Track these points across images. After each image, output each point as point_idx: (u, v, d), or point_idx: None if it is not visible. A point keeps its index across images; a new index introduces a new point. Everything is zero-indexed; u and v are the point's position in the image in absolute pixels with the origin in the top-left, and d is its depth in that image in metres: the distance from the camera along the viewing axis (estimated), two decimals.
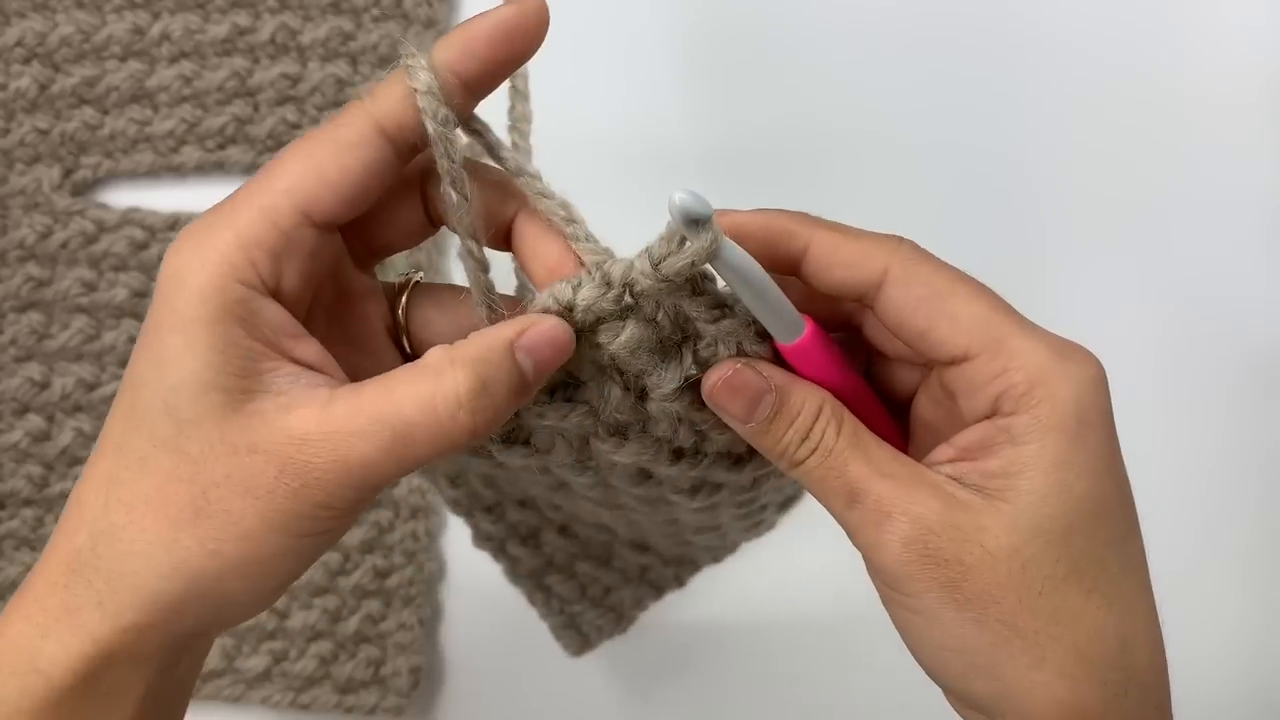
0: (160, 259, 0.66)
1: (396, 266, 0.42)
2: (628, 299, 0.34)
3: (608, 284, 0.34)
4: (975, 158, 0.67)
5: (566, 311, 0.34)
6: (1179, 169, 0.68)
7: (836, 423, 0.35)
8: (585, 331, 0.35)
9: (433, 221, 0.37)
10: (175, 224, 0.65)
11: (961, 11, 0.68)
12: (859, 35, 0.68)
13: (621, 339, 0.34)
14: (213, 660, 0.64)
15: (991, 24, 0.68)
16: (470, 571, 0.66)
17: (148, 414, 0.33)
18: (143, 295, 0.64)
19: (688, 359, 0.35)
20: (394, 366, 0.35)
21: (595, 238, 0.35)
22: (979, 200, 0.67)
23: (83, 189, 0.66)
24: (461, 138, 0.34)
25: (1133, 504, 0.34)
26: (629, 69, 0.68)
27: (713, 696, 0.66)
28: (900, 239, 0.35)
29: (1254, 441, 0.67)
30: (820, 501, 0.35)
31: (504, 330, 0.33)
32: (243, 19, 0.65)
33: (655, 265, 0.33)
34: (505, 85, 0.40)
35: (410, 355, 0.38)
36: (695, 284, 0.34)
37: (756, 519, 0.49)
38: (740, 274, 0.33)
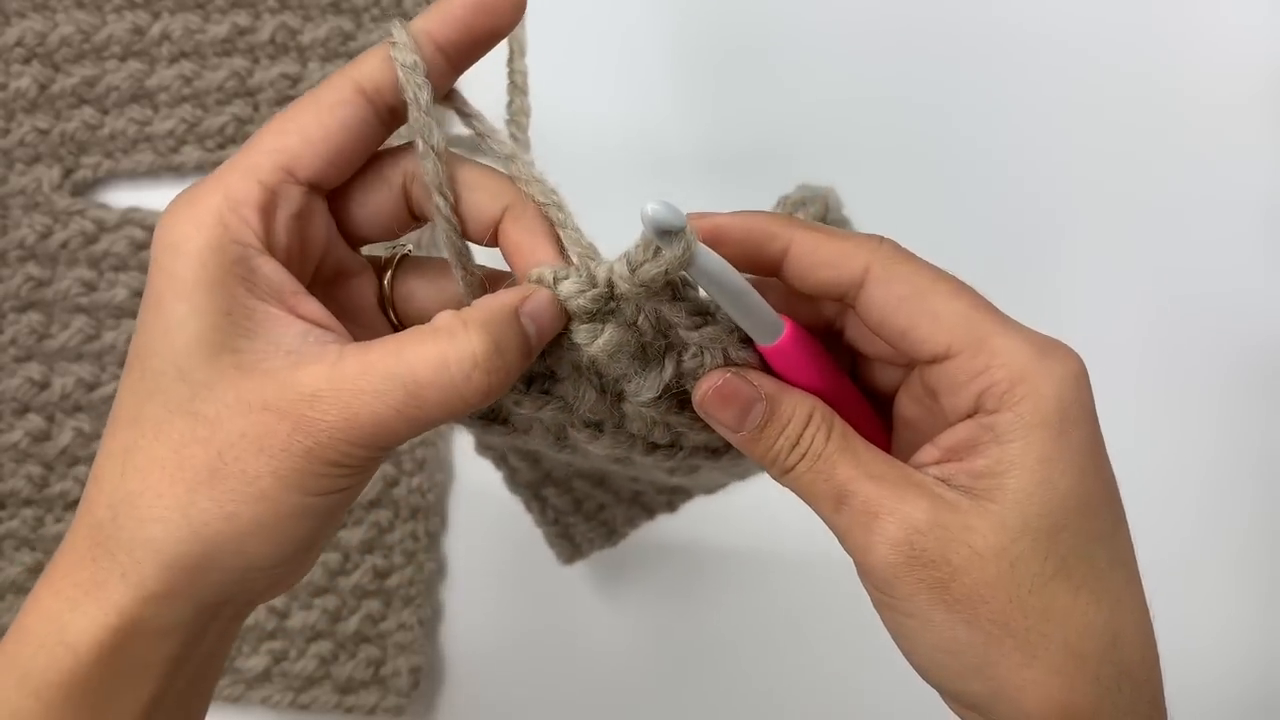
0: None
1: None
2: (609, 303, 0.34)
3: (591, 282, 0.34)
4: (973, 157, 0.67)
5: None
6: (1178, 168, 0.68)
7: (826, 427, 0.35)
8: (564, 328, 0.35)
9: (414, 215, 0.37)
10: None
11: (959, 10, 0.68)
12: (855, 34, 0.68)
13: (600, 342, 0.35)
14: None
15: (989, 23, 0.68)
16: (470, 571, 0.66)
17: (160, 381, 0.33)
18: (143, 295, 0.64)
19: (669, 369, 0.36)
20: (380, 334, 0.35)
21: (580, 230, 0.36)
22: (977, 200, 0.67)
23: (83, 189, 0.66)
24: (428, 86, 0.34)
25: (1119, 498, 0.34)
26: (622, 68, 0.68)
27: (713, 697, 0.66)
28: (881, 239, 0.35)
29: (1251, 439, 0.67)
30: (811, 507, 0.35)
31: (509, 296, 0.34)
32: (243, 19, 0.65)
33: (633, 271, 0.33)
34: (504, 82, 0.40)
35: (398, 327, 0.38)
36: (675, 290, 0.34)
37: (743, 474, 0.50)
38: (715, 280, 0.34)
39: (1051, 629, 0.32)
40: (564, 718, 0.66)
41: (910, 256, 0.35)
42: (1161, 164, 0.68)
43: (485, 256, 0.37)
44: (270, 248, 0.34)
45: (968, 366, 0.33)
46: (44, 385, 0.65)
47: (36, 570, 0.65)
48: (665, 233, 0.32)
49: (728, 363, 0.36)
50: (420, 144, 0.34)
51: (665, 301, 0.34)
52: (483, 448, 0.57)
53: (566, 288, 0.34)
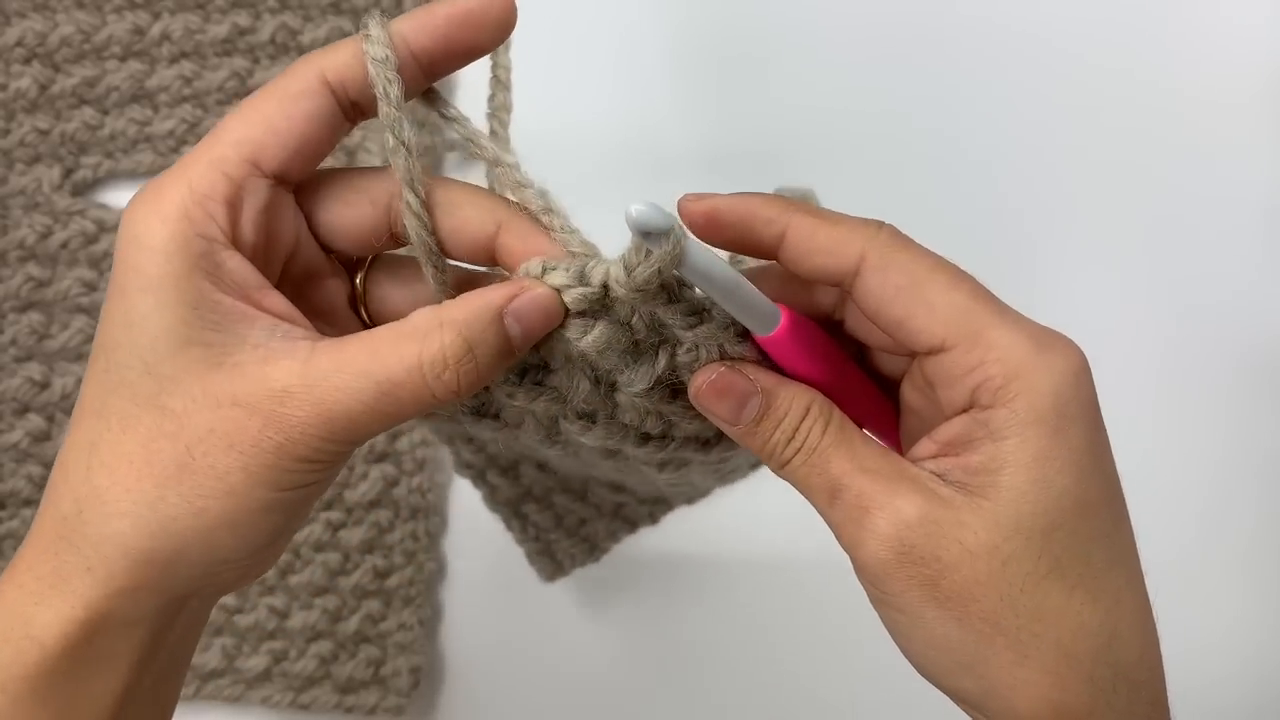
0: None
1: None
2: (602, 301, 0.34)
3: (582, 281, 0.34)
4: (972, 157, 0.67)
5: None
6: (1178, 169, 0.68)
7: (824, 420, 0.35)
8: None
9: (394, 235, 0.37)
10: None
11: (958, 11, 0.68)
12: (855, 35, 0.68)
13: (589, 339, 0.34)
14: (213, 660, 0.64)
15: (988, 23, 0.68)
16: (470, 571, 0.66)
17: (125, 375, 0.33)
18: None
19: (661, 362, 0.35)
20: (341, 327, 0.36)
21: (575, 229, 0.35)
22: (976, 200, 0.67)
23: (83, 189, 0.66)
24: (399, 81, 0.34)
25: (1120, 496, 0.34)
26: (621, 69, 0.68)
27: (712, 696, 0.66)
28: (880, 224, 0.35)
29: (1254, 439, 0.67)
30: (808, 500, 0.35)
31: (493, 294, 0.33)
32: (243, 19, 0.65)
33: (629, 275, 0.33)
34: (488, 76, 0.40)
35: (370, 325, 0.38)
36: (671, 291, 0.34)
37: (728, 475, 0.50)
38: (706, 275, 0.33)
39: (1043, 629, 0.32)
40: (563, 717, 0.66)
41: (908, 244, 0.34)
42: (1162, 164, 0.68)
43: None
44: (236, 242, 0.33)
45: (963, 360, 0.33)
46: (44, 385, 0.65)
47: None
48: (650, 234, 0.32)
49: (723, 357, 0.35)
50: (390, 139, 0.34)
51: (661, 305, 0.34)
52: (461, 466, 0.56)
53: (555, 278, 0.34)
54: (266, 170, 0.34)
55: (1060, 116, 0.68)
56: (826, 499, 0.34)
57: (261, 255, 0.35)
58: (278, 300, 0.34)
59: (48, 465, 0.65)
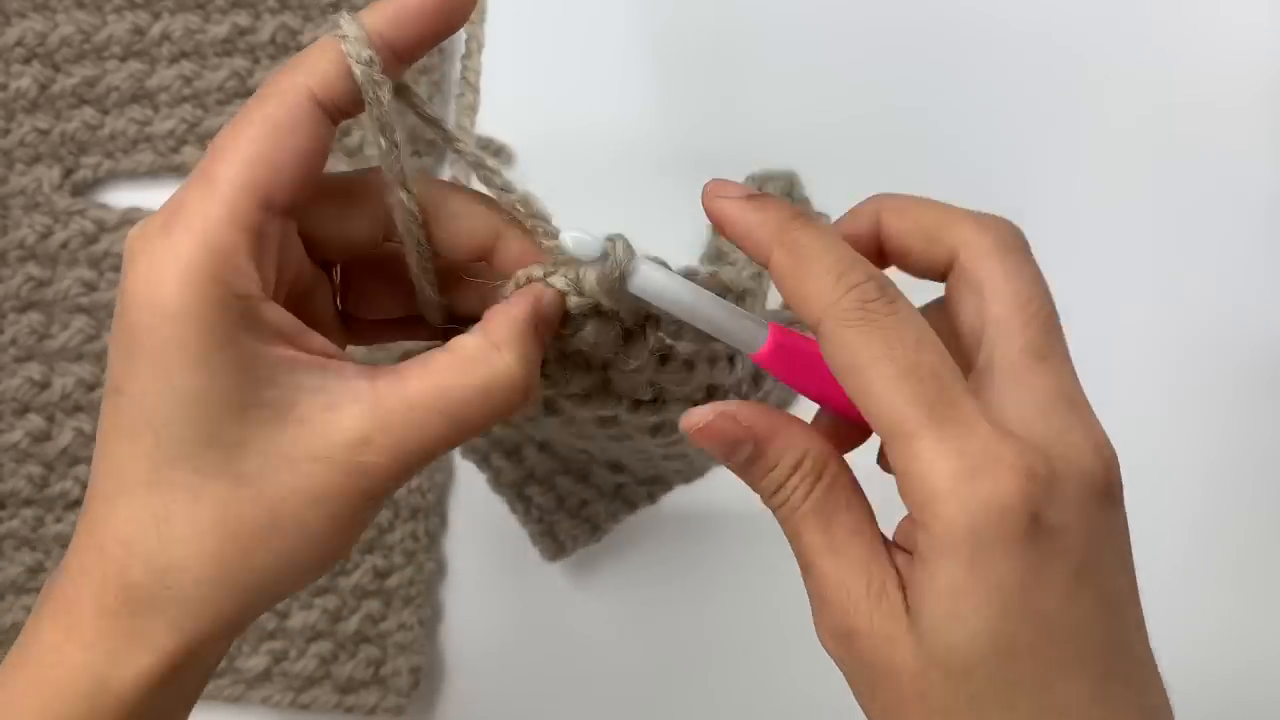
0: None
1: None
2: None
3: (579, 290, 0.34)
4: (970, 156, 0.67)
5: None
6: (1178, 169, 0.68)
7: (810, 481, 0.33)
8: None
9: (387, 242, 0.37)
10: None
11: (956, 10, 0.68)
12: (853, 33, 0.68)
13: (582, 334, 0.35)
14: None
15: (986, 22, 0.68)
16: (470, 571, 0.66)
17: (184, 448, 0.32)
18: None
19: (652, 339, 0.36)
20: (341, 343, 0.36)
21: (558, 229, 0.36)
22: (976, 199, 0.67)
23: (83, 189, 0.66)
24: (388, 84, 0.34)
25: (1066, 640, 0.30)
26: (611, 69, 0.67)
27: (713, 695, 0.66)
28: (850, 286, 0.32)
29: (1253, 439, 0.67)
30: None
31: (522, 307, 0.34)
32: (243, 19, 0.65)
33: (579, 293, 0.34)
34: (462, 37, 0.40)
35: (348, 323, 0.39)
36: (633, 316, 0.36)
37: None
38: (666, 303, 0.34)
39: None
40: (564, 717, 0.66)
41: (865, 317, 0.31)
42: (1161, 164, 0.68)
43: None
44: (266, 289, 0.33)
45: (895, 462, 0.31)
46: (44, 385, 0.65)
47: (36, 570, 0.65)
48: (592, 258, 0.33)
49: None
50: (383, 142, 0.34)
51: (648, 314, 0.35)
52: (466, 450, 0.57)
53: (557, 283, 0.35)
54: (278, 209, 0.33)
55: (1060, 116, 0.68)
56: (802, 565, 0.34)
57: (281, 289, 0.35)
58: (317, 339, 0.34)
59: (48, 465, 0.65)
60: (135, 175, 0.66)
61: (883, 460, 0.35)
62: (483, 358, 0.33)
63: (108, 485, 0.34)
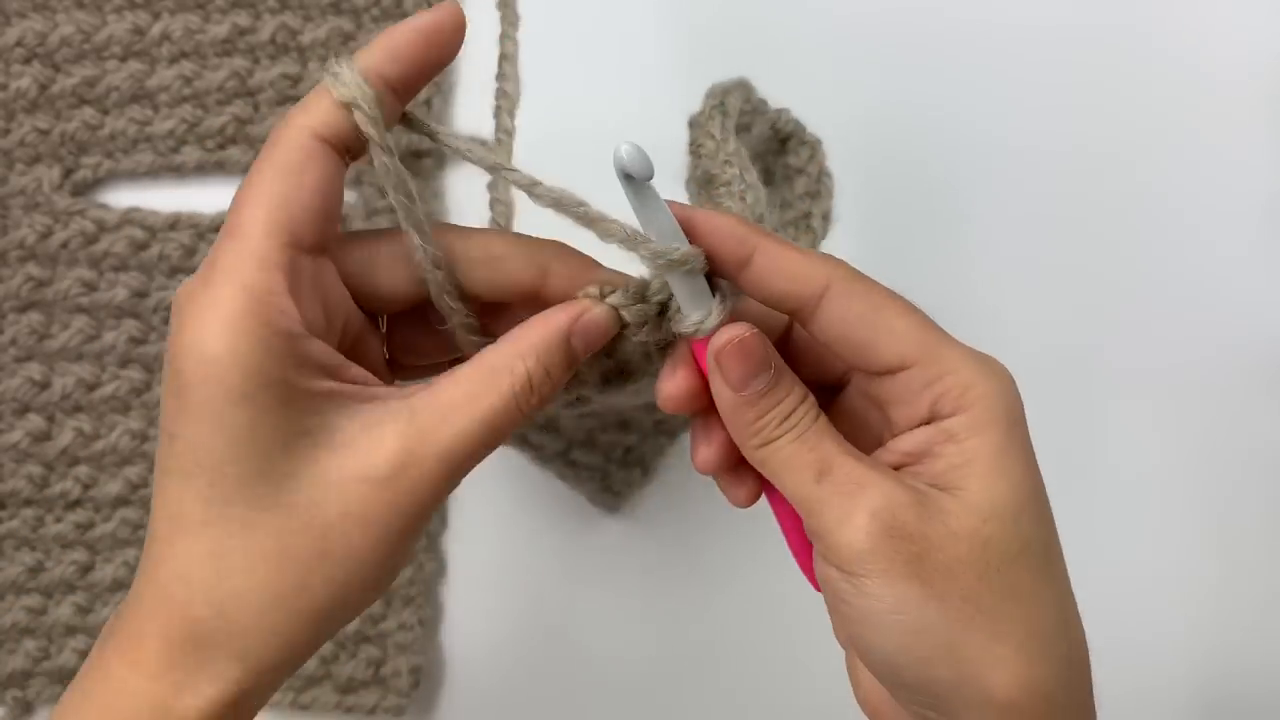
0: (160, 259, 0.66)
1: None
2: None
3: (645, 300, 0.37)
4: (970, 156, 0.67)
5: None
6: (1177, 168, 0.68)
7: (815, 411, 0.37)
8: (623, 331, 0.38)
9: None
10: (176, 223, 0.65)
11: (956, 10, 0.68)
12: (852, 32, 0.68)
13: (659, 336, 0.38)
14: None
15: (985, 21, 0.68)
16: (470, 571, 0.66)
17: (237, 485, 0.34)
18: (143, 295, 0.64)
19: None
20: (389, 381, 0.38)
21: (604, 217, 0.37)
22: (976, 198, 0.67)
23: (83, 189, 0.66)
24: (378, 126, 0.35)
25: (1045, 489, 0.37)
26: (622, 66, 0.68)
27: (714, 696, 0.66)
28: (837, 260, 0.37)
29: (1253, 440, 0.67)
30: (780, 482, 0.36)
31: (559, 319, 0.36)
32: (243, 19, 0.65)
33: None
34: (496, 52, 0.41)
35: (394, 370, 0.41)
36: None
37: None
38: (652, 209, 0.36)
39: (1015, 607, 0.34)
40: (564, 717, 0.67)
41: (864, 276, 0.37)
42: (1160, 163, 0.68)
43: None
44: (307, 326, 0.34)
45: (922, 376, 0.35)
46: (44, 385, 0.65)
47: (37, 570, 0.65)
48: (628, 176, 0.34)
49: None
50: (393, 195, 0.36)
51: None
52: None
53: (616, 299, 0.37)
54: (306, 247, 0.35)
55: (1058, 115, 0.68)
56: (814, 474, 0.35)
57: (324, 329, 0.36)
58: (356, 369, 0.36)
59: (48, 465, 0.65)
60: (135, 175, 0.66)
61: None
62: (507, 365, 0.35)
63: (165, 527, 0.35)
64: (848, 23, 0.68)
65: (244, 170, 0.65)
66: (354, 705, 0.65)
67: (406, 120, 0.38)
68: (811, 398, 0.37)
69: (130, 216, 0.65)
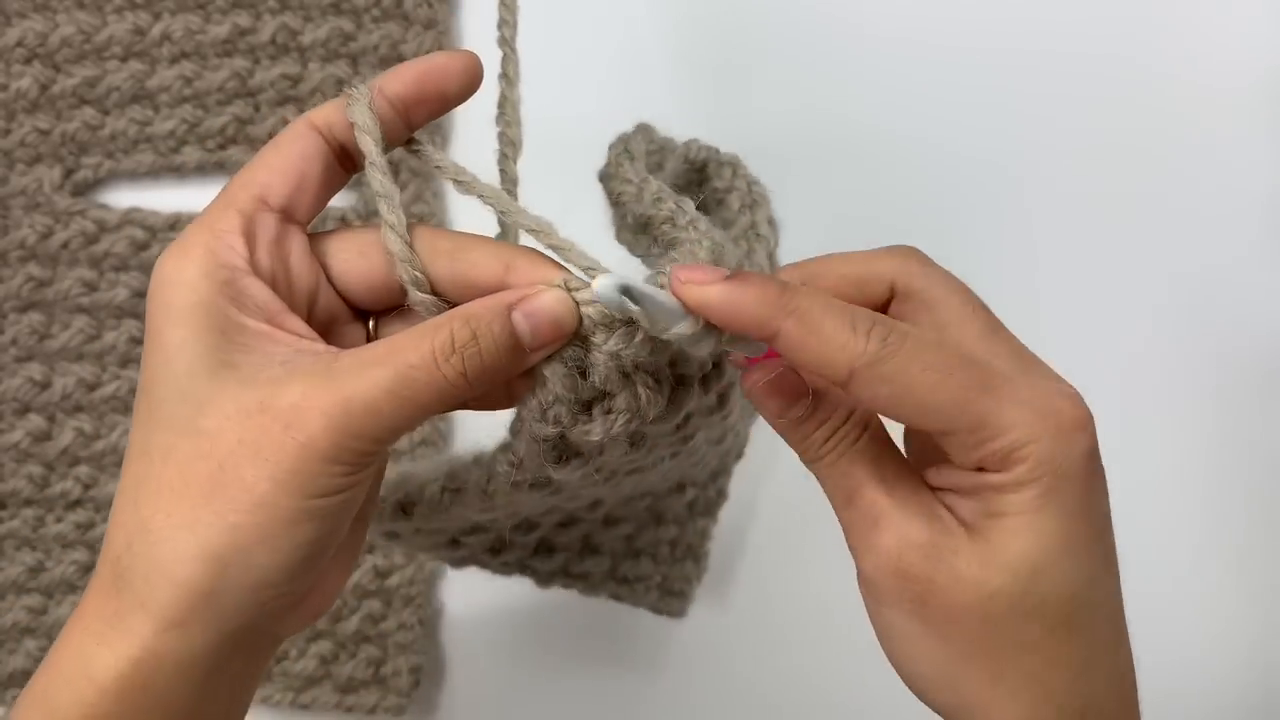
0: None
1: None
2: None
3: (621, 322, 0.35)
4: (971, 155, 0.67)
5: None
6: (1176, 168, 0.68)
7: (859, 428, 0.37)
8: (590, 338, 0.36)
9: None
10: (176, 224, 0.65)
11: (956, 9, 0.68)
12: (855, 32, 0.68)
13: (635, 343, 0.36)
14: None
15: (984, 21, 0.68)
16: (470, 572, 0.66)
17: (165, 408, 0.34)
18: (143, 295, 0.64)
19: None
20: None
21: (586, 255, 0.36)
22: (976, 197, 0.67)
23: (83, 189, 0.66)
24: (377, 127, 0.37)
25: (1109, 542, 0.36)
26: (622, 68, 0.68)
27: (716, 696, 0.66)
28: (869, 331, 0.34)
29: (1252, 440, 0.67)
30: (828, 496, 0.37)
31: (504, 294, 0.35)
32: (243, 20, 0.65)
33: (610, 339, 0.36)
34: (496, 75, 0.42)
35: None
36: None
37: (729, 439, 0.51)
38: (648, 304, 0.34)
39: (1019, 656, 0.34)
40: (564, 717, 0.67)
41: (893, 350, 0.34)
42: (1159, 163, 0.68)
43: None
44: (255, 270, 0.36)
45: (965, 441, 0.34)
46: (45, 385, 0.65)
47: (37, 570, 0.65)
48: (628, 295, 0.34)
49: None
50: (376, 178, 0.37)
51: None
52: (546, 577, 0.57)
53: (583, 295, 0.35)
54: (274, 204, 0.37)
55: (1056, 114, 0.68)
56: (843, 500, 0.36)
57: (283, 287, 0.37)
58: (298, 323, 0.36)
59: (48, 465, 0.65)
60: (135, 175, 0.66)
61: (913, 450, 0.39)
62: (434, 324, 0.34)
63: (124, 464, 0.35)
64: (850, 21, 0.68)
65: None
66: (354, 705, 0.65)
67: (411, 145, 0.39)
68: (857, 414, 0.36)
69: (130, 217, 0.65)
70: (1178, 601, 0.65)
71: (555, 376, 0.36)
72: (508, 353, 0.35)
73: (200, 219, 0.36)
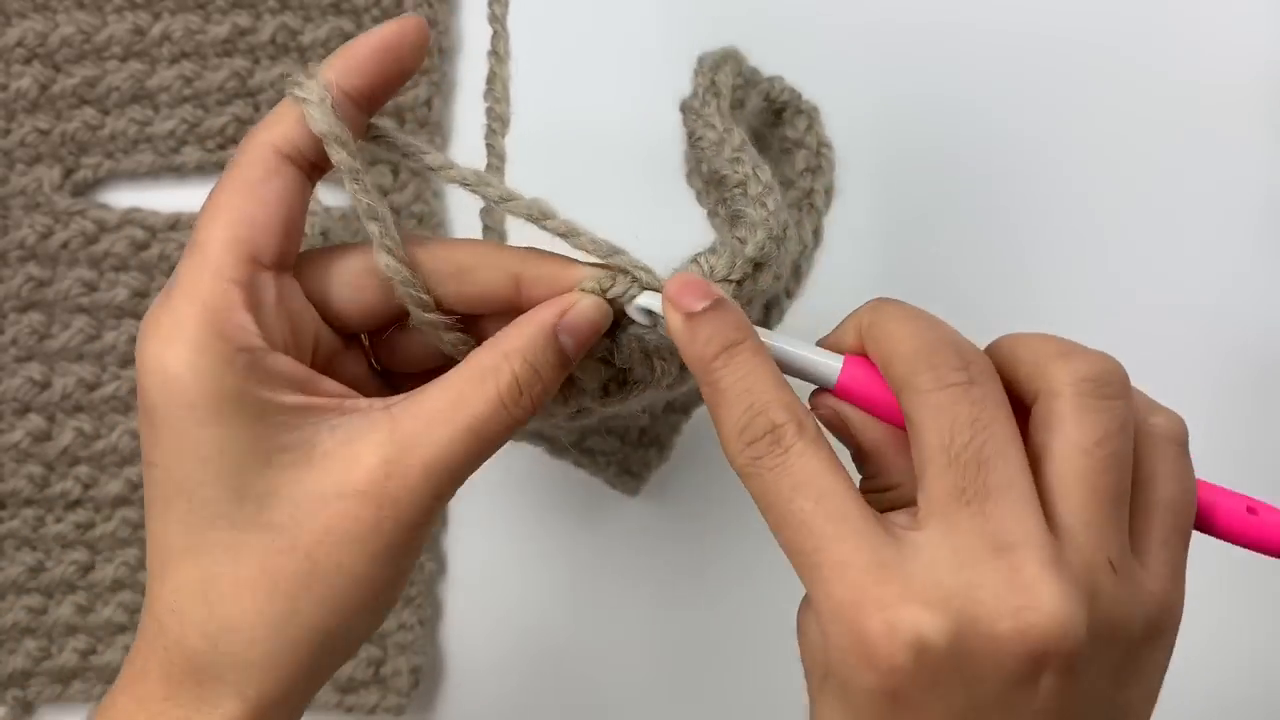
0: (161, 260, 0.66)
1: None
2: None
3: (641, 286, 0.36)
4: (969, 152, 0.67)
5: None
6: (1174, 167, 0.68)
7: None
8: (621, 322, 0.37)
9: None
10: (176, 224, 0.65)
11: (956, 9, 0.68)
12: (856, 29, 0.68)
13: (660, 329, 0.37)
14: None
15: (986, 19, 0.68)
16: (470, 571, 0.66)
17: (215, 508, 0.33)
18: (143, 295, 0.65)
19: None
20: (379, 394, 0.36)
21: (584, 232, 0.37)
22: (973, 195, 0.67)
23: (83, 189, 0.66)
24: (354, 149, 0.35)
25: None
26: (623, 65, 0.68)
27: (716, 696, 0.66)
28: (756, 439, 0.33)
29: (1252, 440, 0.67)
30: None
31: (544, 315, 0.35)
32: (243, 19, 0.65)
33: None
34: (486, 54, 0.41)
35: (383, 375, 0.39)
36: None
37: None
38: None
39: None
40: (564, 717, 0.67)
41: (754, 472, 0.34)
42: (1160, 164, 0.68)
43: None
44: (270, 343, 0.34)
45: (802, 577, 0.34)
46: (45, 385, 0.65)
47: (37, 570, 0.65)
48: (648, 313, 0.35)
49: None
50: (362, 200, 0.35)
51: None
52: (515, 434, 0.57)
53: (614, 290, 0.36)
54: (266, 263, 0.34)
55: (1057, 114, 0.68)
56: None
57: (294, 345, 0.35)
58: (329, 383, 0.35)
59: (48, 465, 0.65)
60: (136, 175, 0.66)
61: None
62: (491, 367, 0.34)
63: (156, 559, 0.34)
64: (851, 19, 0.68)
65: None
66: (354, 705, 0.65)
67: (373, 135, 0.37)
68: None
69: (131, 217, 0.65)
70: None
71: (586, 372, 0.37)
72: (560, 371, 0.35)
73: (187, 293, 0.33)
